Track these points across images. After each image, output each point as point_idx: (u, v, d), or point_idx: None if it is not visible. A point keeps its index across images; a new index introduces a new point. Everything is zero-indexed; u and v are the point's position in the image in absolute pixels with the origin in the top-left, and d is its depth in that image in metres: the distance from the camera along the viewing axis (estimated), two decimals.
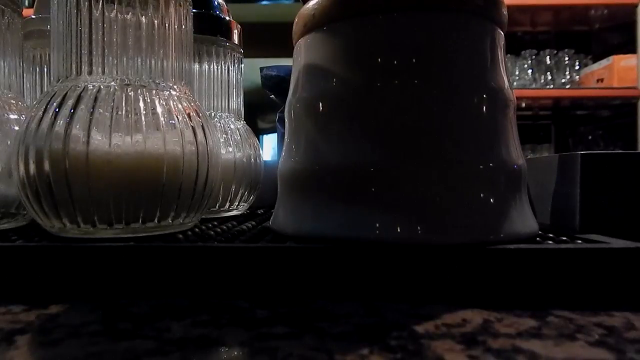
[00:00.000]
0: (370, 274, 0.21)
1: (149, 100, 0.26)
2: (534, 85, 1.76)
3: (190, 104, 0.28)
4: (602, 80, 1.68)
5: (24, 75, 0.34)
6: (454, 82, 0.23)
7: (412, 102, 0.23)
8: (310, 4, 0.26)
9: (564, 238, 0.24)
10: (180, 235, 0.25)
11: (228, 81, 0.40)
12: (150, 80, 0.26)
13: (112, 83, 0.25)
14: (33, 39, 0.38)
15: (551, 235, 0.25)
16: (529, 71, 1.76)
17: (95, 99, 0.25)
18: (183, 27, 0.28)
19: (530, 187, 0.29)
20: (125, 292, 0.21)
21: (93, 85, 0.25)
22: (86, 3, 0.25)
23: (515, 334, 0.16)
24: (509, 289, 0.20)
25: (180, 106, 0.27)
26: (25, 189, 0.24)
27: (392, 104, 0.23)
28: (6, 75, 0.30)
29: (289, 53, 0.29)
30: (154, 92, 0.26)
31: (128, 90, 0.25)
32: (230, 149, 0.38)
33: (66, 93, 0.25)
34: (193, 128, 0.27)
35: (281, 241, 0.23)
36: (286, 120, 0.28)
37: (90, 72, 0.25)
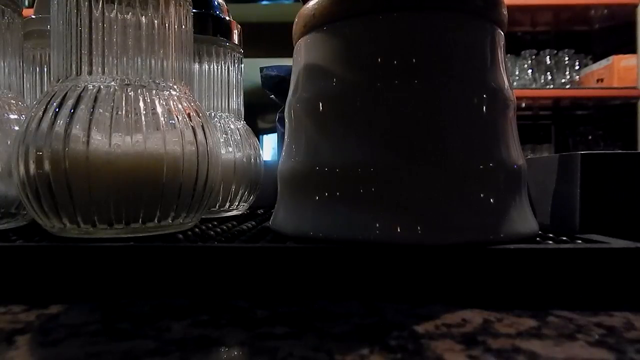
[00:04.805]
0: (370, 274, 0.21)
1: (149, 100, 0.26)
2: (534, 85, 1.76)
3: (190, 104, 0.28)
4: (602, 80, 1.68)
5: (24, 75, 0.34)
6: (454, 82, 0.23)
7: (412, 102, 0.23)
8: (310, 4, 0.26)
9: (564, 238, 0.24)
10: (180, 235, 0.25)
11: (228, 81, 0.40)
12: (150, 80, 0.26)
13: (112, 83, 0.25)
14: (33, 39, 0.38)
15: (551, 235, 0.25)
16: (529, 71, 1.76)
17: (95, 99, 0.25)
18: (183, 27, 0.28)
19: (530, 187, 0.29)
20: (125, 292, 0.21)
21: (93, 85, 0.25)
22: (86, 3, 0.25)
23: (515, 334, 0.16)
24: (509, 289, 0.20)
25: (180, 106, 0.27)
26: (25, 189, 0.24)
27: (392, 104, 0.23)
28: (6, 75, 0.30)
29: (289, 53, 0.29)
30: (154, 92, 0.26)
31: (128, 90, 0.25)
32: (230, 149, 0.38)
33: (66, 93, 0.25)
34: (193, 128, 0.27)
35: (281, 241, 0.23)
36: (286, 120, 0.28)
37: (90, 72, 0.25)
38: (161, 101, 0.26)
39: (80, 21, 0.25)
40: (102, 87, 0.25)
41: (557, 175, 0.30)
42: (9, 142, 0.28)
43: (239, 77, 0.42)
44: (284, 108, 0.37)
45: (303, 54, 0.27)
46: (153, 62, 0.27)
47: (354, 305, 0.19)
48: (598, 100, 1.74)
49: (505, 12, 0.26)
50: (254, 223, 0.32)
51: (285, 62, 0.45)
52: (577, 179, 0.27)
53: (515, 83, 1.72)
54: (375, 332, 0.16)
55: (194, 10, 0.30)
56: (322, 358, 0.14)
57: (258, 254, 0.21)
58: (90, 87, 0.25)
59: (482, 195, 0.22)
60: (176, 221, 0.26)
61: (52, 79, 0.27)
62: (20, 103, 0.31)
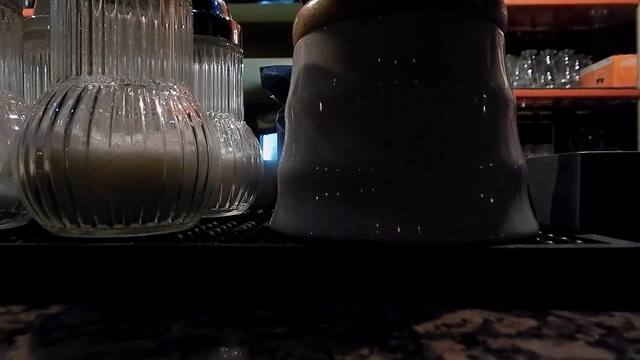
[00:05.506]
0: (370, 274, 0.21)
1: (149, 100, 0.26)
2: (534, 85, 1.76)
3: (190, 104, 0.28)
4: (602, 80, 1.68)
5: (24, 75, 0.34)
6: (454, 82, 0.23)
7: (412, 102, 0.23)
8: (310, 4, 0.26)
9: (564, 238, 0.24)
10: (180, 235, 0.25)
11: (228, 81, 0.40)
12: (150, 80, 0.26)
13: (112, 83, 0.25)
14: (33, 39, 0.38)
15: (551, 235, 0.25)
16: (529, 71, 1.76)
17: (95, 99, 0.25)
18: (183, 27, 0.28)
19: (530, 187, 0.29)
20: (125, 292, 0.21)
21: (93, 85, 0.25)
22: (86, 3, 0.25)
23: (515, 334, 0.16)
24: (509, 289, 0.20)
25: (180, 106, 0.27)
26: (25, 189, 0.24)
27: (392, 104, 0.23)
28: (6, 75, 0.30)
29: (289, 53, 0.29)
30: (154, 92, 0.26)
31: (128, 90, 0.25)
32: (230, 149, 0.38)
33: (66, 93, 0.25)
34: (193, 128, 0.27)
35: (281, 241, 0.23)
36: (286, 120, 0.28)
37: (90, 72, 0.25)
38: (161, 101, 0.26)
39: (80, 21, 0.25)
40: (102, 87, 0.25)
41: (557, 175, 0.30)
42: (9, 142, 0.28)
43: (239, 77, 0.42)
44: (284, 108, 0.37)
45: (303, 54, 0.27)
46: (153, 62, 0.27)
47: (354, 305, 0.19)
48: (598, 100, 1.74)
49: (505, 12, 0.26)
50: (254, 223, 0.32)
51: (285, 62, 0.45)
52: (577, 179, 0.27)
53: (515, 83, 1.72)
54: (375, 332, 0.16)
55: (194, 10, 0.30)
56: (322, 358, 0.14)
57: (258, 254, 0.21)
58: (90, 87, 0.25)
59: (482, 195, 0.22)
60: (176, 221, 0.26)
61: (52, 79, 0.27)
62: (20, 103, 0.31)
